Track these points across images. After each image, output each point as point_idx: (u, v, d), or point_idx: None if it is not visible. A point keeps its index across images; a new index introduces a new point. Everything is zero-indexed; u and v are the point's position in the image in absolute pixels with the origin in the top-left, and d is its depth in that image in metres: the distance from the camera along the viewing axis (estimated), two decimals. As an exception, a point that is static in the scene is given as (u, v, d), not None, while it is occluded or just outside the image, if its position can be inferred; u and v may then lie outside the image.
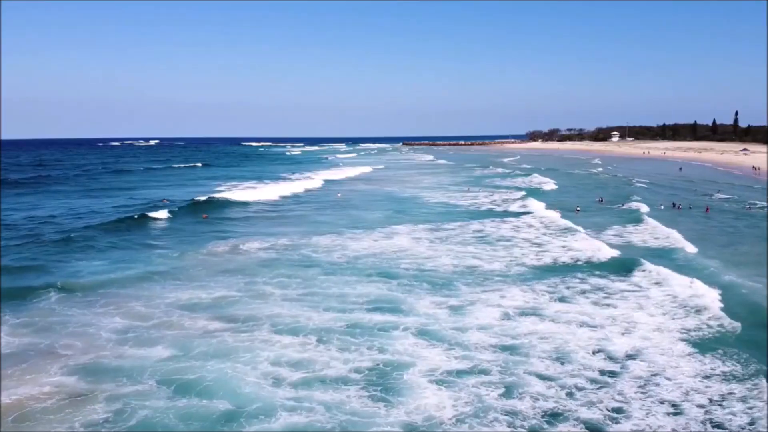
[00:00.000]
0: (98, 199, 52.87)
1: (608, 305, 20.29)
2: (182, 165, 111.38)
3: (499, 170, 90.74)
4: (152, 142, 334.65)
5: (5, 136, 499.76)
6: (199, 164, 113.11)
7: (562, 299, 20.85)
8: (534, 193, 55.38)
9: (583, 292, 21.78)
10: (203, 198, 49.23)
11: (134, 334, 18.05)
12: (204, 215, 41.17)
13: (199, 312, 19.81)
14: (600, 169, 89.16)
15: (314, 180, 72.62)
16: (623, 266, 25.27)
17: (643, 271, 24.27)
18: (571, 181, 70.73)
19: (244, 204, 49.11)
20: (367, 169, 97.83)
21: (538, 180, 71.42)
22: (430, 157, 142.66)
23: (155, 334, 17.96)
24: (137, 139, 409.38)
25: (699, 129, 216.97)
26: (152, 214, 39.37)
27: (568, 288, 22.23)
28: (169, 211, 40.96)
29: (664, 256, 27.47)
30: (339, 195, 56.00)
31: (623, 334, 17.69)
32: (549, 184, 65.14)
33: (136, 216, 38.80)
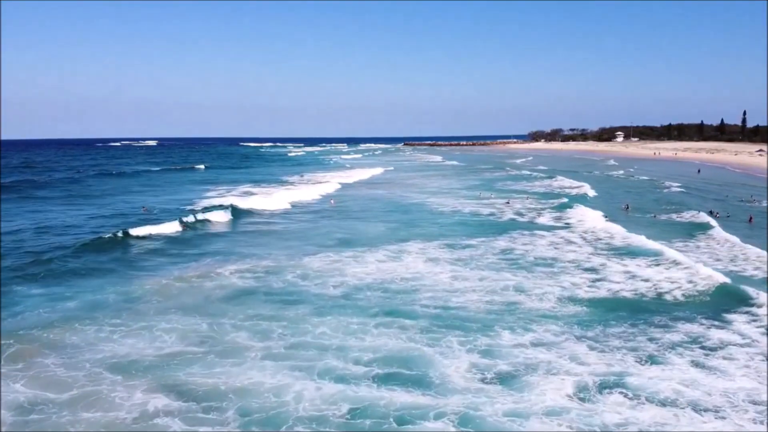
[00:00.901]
0: (77, 207, 45.99)
1: (715, 369, 14.40)
2: (180, 167, 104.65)
3: (515, 172, 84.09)
4: (151, 143, 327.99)
5: (4, 137, 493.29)
6: (201, 166, 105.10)
7: (651, 360, 14.90)
8: (576, 199, 48.07)
9: (674, 346, 15.84)
10: (191, 207, 43.09)
11: (38, 415, 12.44)
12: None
13: (138, 377, 13.99)
14: (621, 172, 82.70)
15: (328, 184, 64.45)
16: (714, 303, 19.40)
17: (743, 311, 18.38)
18: (596, 184, 64.07)
19: (245, 212, 42.30)
20: (378, 170, 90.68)
21: (559, 183, 64.81)
22: (439, 158, 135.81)
23: (66, 419, 12.22)
24: (137, 140, 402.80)
25: (705, 129, 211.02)
26: (131, 230, 32.24)
27: (651, 340, 16.30)
28: (149, 224, 34.42)
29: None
30: (332, 202, 49.31)
31: (761, 422, 11.86)
32: (584, 188, 57.73)
33: (109, 235, 31.32)
